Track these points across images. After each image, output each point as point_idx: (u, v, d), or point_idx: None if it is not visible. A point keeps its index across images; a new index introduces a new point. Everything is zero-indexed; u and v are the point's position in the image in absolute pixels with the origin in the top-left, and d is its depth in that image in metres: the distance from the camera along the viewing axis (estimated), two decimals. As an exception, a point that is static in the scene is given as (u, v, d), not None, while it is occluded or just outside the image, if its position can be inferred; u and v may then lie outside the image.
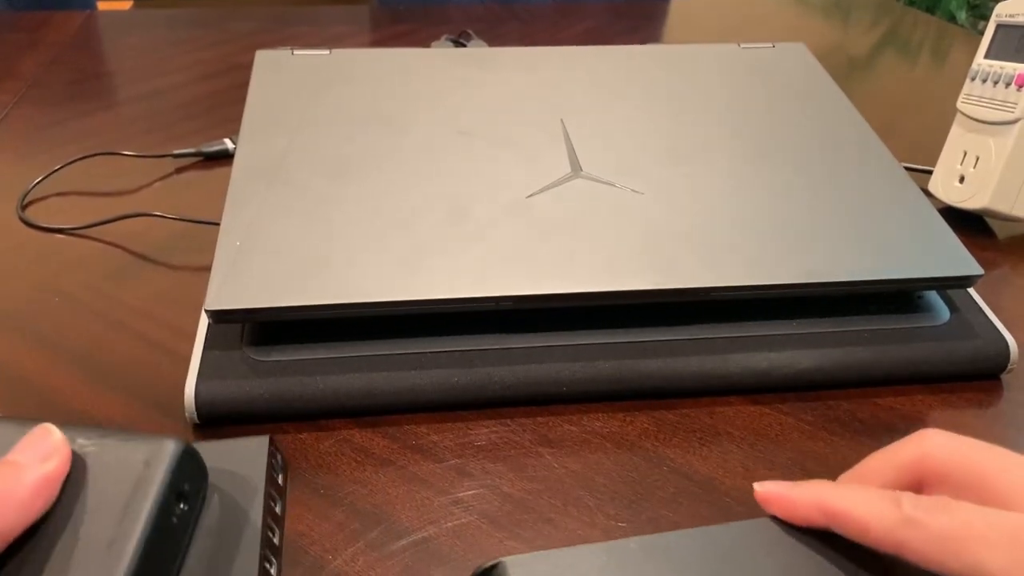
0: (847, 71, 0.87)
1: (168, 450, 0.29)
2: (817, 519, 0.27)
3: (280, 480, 0.35)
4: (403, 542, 0.35)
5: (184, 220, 0.54)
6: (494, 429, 0.40)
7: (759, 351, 0.42)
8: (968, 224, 0.58)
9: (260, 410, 0.39)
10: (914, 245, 0.44)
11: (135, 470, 0.28)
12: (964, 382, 0.44)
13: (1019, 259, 0.55)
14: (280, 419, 0.40)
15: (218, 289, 0.39)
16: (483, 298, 0.40)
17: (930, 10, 2.19)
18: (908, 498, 0.26)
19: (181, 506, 0.29)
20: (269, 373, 0.40)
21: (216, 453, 0.32)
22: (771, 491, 0.29)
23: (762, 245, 0.43)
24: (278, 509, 0.34)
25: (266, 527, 0.32)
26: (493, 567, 0.28)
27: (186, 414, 0.39)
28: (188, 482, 0.30)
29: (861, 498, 0.27)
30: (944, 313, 0.45)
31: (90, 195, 0.58)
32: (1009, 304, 0.50)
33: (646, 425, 0.41)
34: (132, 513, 0.27)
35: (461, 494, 0.37)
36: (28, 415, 0.40)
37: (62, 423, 0.29)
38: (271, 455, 0.34)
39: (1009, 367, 0.43)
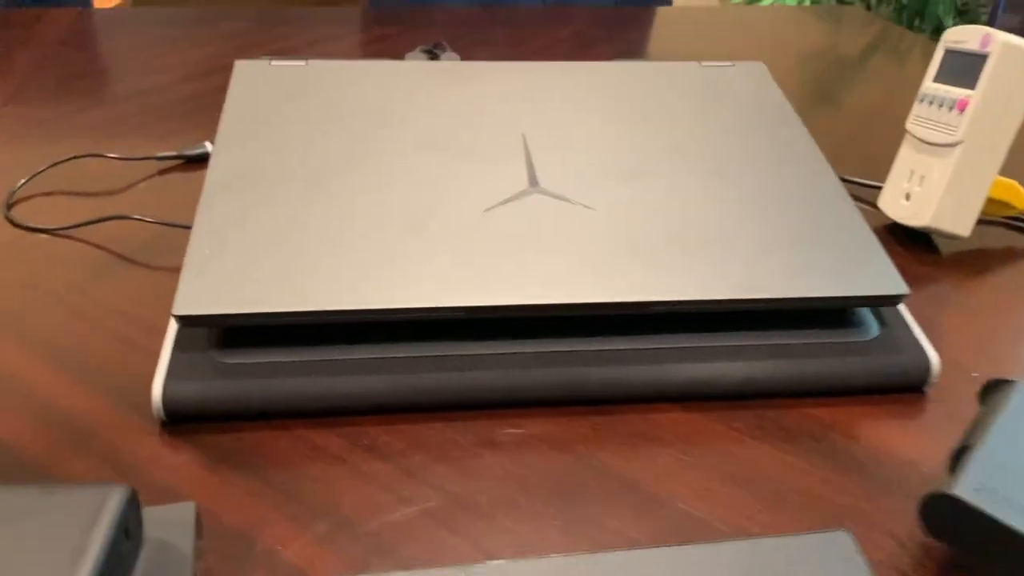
0: (823, 84, 0.89)
1: (117, 492, 0.32)
2: None
3: (201, 545, 0.37)
4: (349, 534, 0.37)
5: (161, 223, 0.56)
6: (440, 431, 0.43)
7: (694, 362, 0.45)
8: (915, 240, 0.61)
9: (223, 410, 0.42)
10: (847, 264, 0.46)
11: (89, 508, 0.31)
12: (889, 394, 0.47)
13: (958, 276, 0.57)
14: (241, 418, 0.43)
15: (185, 295, 0.42)
16: (437, 308, 0.43)
17: (919, 14, 2.21)
18: None
19: (127, 542, 0.32)
20: (233, 375, 0.42)
21: (148, 516, 0.34)
22: None
23: (701, 261, 0.46)
24: (200, 547, 0.36)
25: (196, 551, 0.34)
26: None
27: (153, 412, 0.42)
28: (131, 522, 0.32)
29: None
30: (873, 329, 0.47)
31: (74, 195, 0.61)
32: (942, 320, 0.53)
33: (584, 430, 0.43)
34: (90, 540, 0.30)
35: (406, 492, 0.40)
36: (5, 408, 0.43)
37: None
38: (197, 520, 0.36)
39: (931, 381, 0.46)
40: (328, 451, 0.41)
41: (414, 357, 0.44)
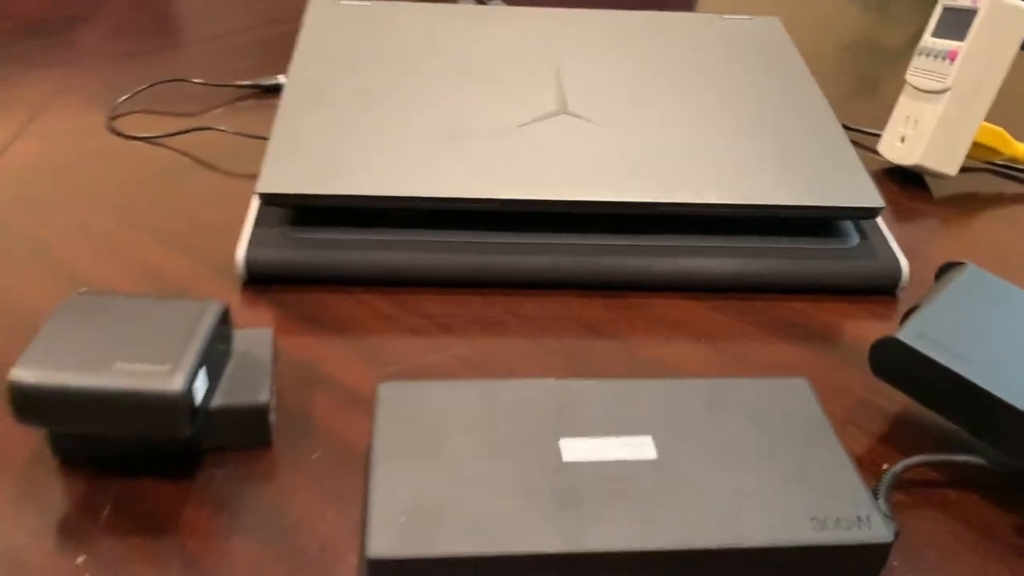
0: (844, 39, 0.96)
1: (216, 304, 0.40)
2: None
3: (276, 367, 0.44)
4: (393, 368, 0.45)
5: (241, 135, 0.65)
6: (477, 303, 0.51)
7: (693, 257, 0.52)
8: (910, 182, 0.67)
9: (294, 274, 0.50)
10: (831, 180, 0.53)
11: (194, 313, 0.39)
12: (865, 295, 0.53)
13: (944, 211, 0.64)
14: (309, 282, 0.51)
15: (267, 177, 0.50)
16: (475, 199, 0.51)
17: None
18: None
19: (222, 344, 0.40)
20: (304, 247, 0.51)
21: (236, 334, 0.43)
22: None
23: (701, 172, 0.53)
24: (275, 367, 0.44)
25: (273, 363, 0.42)
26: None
27: (237, 273, 0.50)
28: (224, 331, 0.41)
29: None
30: (854, 239, 0.54)
31: (164, 114, 0.70)
32: (923, 242, 0.59)
33: (598, 308, 0.51)
34: (197, 330, 0.38)
35: (442, 342, 0.48)
36: (117, 267, 0.51)
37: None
38: (274, 340, 0.44)
39: (901, 285, 0.53)
40: (381, 311, 0.49)
41: (457, 242, 0.52)
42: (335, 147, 0.53)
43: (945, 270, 0.45)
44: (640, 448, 0.37)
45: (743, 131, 0.57)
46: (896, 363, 0.41)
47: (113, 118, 0.69)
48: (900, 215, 0.63)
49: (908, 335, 0.40)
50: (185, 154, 0.64)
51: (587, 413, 0.39)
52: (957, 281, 0.44)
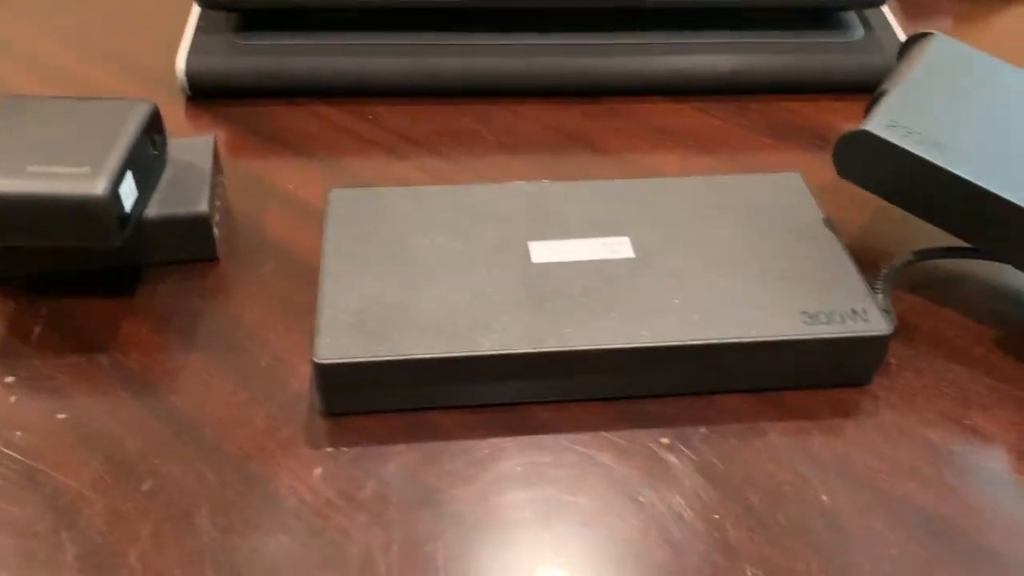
0: None
1: (144, 103, 0.36)
2: None
3: (220, 179, 0.41)
4: (351, 180, 0.42)
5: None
6: (441, 112, 0.46)
7: (683, 55, 0.47)
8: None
9: (241, 84, 0.46)
10: (834, -35, 0.48)
11: (123, 109, 0.36)
12: (869, 93, 0.49)
13: (955, 3, 0.58)
14: (257, 94, 0.46)
15: (203, -25, 0.45)
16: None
17: None
18: None
19: (153, 150, 0.36)
20: (250, 53, 0.46)
21: (172, 143, 0.39)
22: None
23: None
24: (220, 178, 0.40)
25: (214, 173, 0.38)
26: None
27: (178, 85, 0.46)
28: (156, 134, 0.37)
29: None
30: (858, 32, 0.49)
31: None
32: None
33: (575, 116, 0.47)
34: (122, 132, 0.34)
35: (405, 153, 0.44)
36: (51, 87, 0.47)
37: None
38: (215, 149, 0.40)
39: (910, 80, 0.48)
40: (337, 123, 0.45)
41: (419, 44, 0.47)
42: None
43: (910, 44, 0.40)
44: (616, 248, 0.34)
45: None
46: (866, 161, 0.35)
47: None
48: (908, 5, 0.57)
49: (877, 125, 0.34)
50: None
51: (561, 215, 0.36)
52: (926, 56, 0.38)
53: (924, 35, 0.39)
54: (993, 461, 0.31)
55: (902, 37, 0.49)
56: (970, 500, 0.29)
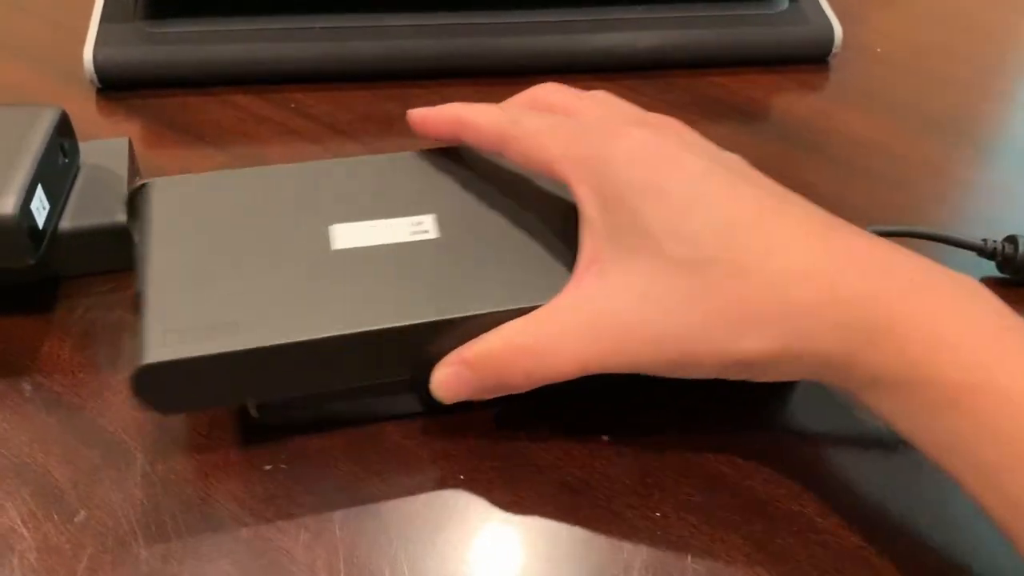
0: None
1: (50, 109, 0.34)
2: (451, 129, 0.33)
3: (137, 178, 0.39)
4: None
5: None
6: (365, 98, 0.45)
7: (606, 32, 0.47)
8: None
9: (153, 75, 0.44)
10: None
11: (27, 117, 0.34)
12: (795, 64, 0.49)
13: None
14: (171, 85, 0.45)
15: (105, -40, 0.43)
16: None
17: None
18: (517, 109, 0.32)
19: (63, 158, 0.35)
20: (161, 42, 0.44)
21: (85, 147, 0.37)
22: (418, 112, 0.34)
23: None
24: (137, 181, 0.38)
25: (131, 177, 0.37)
26: (141, 187, 0.32)
27: (86, 78, 0.44)
28: (66, 141, 0.35)
29: (483, 110, 0.32)
30: (783, 2, 0.49)
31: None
32: (853, 4, 0.54)
33: (501, 97, 0.46)
34: (28, 143, 0.33)
35: (331, 143, 0.42)
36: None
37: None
38: (131, 151, 0.38)
39: (834, 51, 0.49)
40: (256, 113, 0.44)
41: (339, 27, 0.45)
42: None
43: (134, 202, 0.32)
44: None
45: None
46: (181, 387, 0.28)
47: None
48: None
49: (155, 350, 0.27)
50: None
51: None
52: (155, 219, 0.31)
53: (140, 188, 0.32)
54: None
55: (827, 7, 0.49)
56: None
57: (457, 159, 0.34)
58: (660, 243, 0.27)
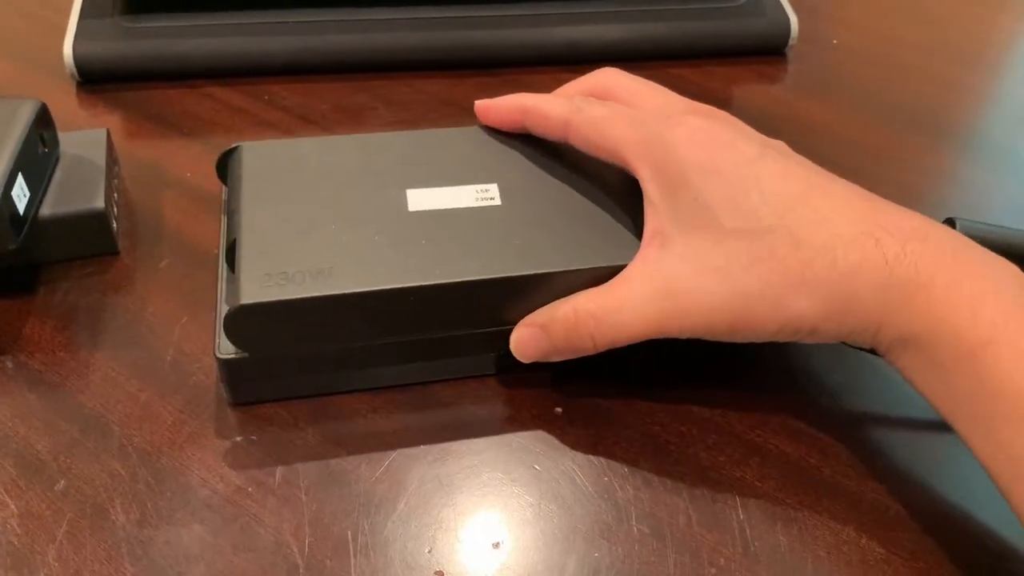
0: None
1: (30, 102, 0.36)
2: (517, 118, 0.35)
3: (117, 170, 0.40)
4: (252, 167, 0.42)
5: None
6: (338, 90, 0.47)
7: (571, 25, 0.48)
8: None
9: (131, 68, 0.45)
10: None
11: (8, 109, 0.35)
12: (753, 56, 0.51)
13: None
14: (149, 78, 0.46)
15: (84, -43, 0.44)
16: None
17: None
18: (579, 98, 0.34)
19: (43, 148, 0.36)
20: (139, 36, 0.45)
21: (65, 137, 0.38)
22: (485, 102, 0.36)
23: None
24: (116, 170, 0.40)
25: (109, 166, 0.38)
26: (233, 149, 0.35)
27: (67, 72, 0.45)
28: (45, 132, 0.36)
29: (547, 99, 0.35)
30: (741, -3, 0.51)
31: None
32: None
33: (471, 89, 0.48)
34: (9, 133, 0.34)
35: (303, 134, 0.44)
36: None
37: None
38: (109, 141, 0.40)
39: (790, 43, 0.50)
40: (231, 104, 0.45)
41: (313, 21, 0.47)
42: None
43: (225, 163, 0.36)
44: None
45: None
46: (270, 327, 0.30)
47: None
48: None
49: (251, 290, 0.29)
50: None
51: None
52: (247, 176, 0.34)
53: (233, 150, 0.35)
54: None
55: (784, 1, 0.51)
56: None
57: (514, 134, 0.36)
58: (719, 217, 0.30)
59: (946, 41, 0.55)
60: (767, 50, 0.51)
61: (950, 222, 0.39)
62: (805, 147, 0.33)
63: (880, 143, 0.46)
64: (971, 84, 0.52)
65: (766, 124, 0.36)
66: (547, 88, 0.48)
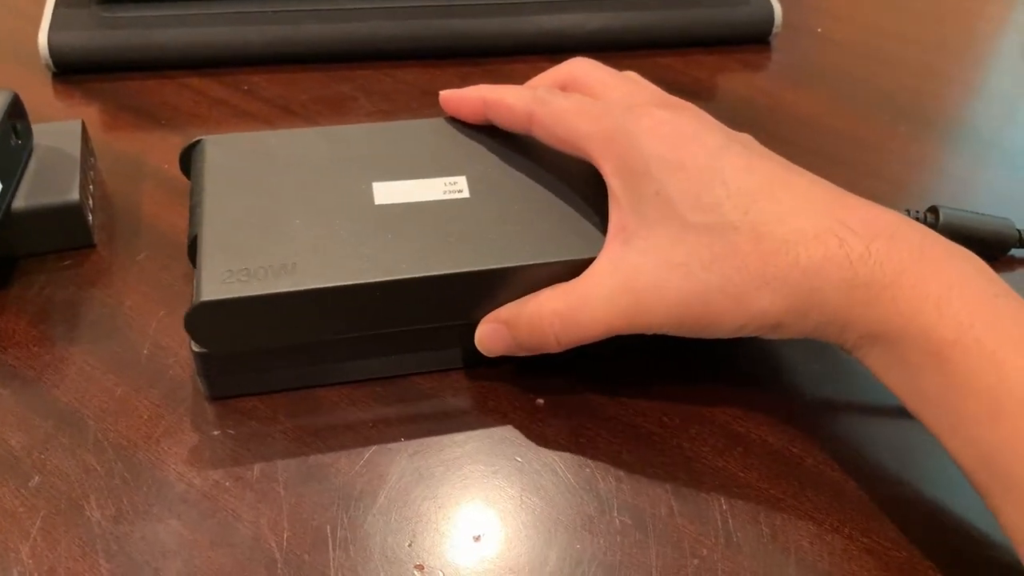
0: None
1: (1, 94, 0.35)
2: (480, 110, 0.35)
3: (93, 161, 0.40)
4: (231, 158, 0.42)
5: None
6: (319, 80, 0.46)
7: (554, 13, 0.48)
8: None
9: (108, 59, 0.45)
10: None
11: None
12: (738, 45, 0.51)
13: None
14: (127, 68, 0.45)
15: (58, -54, 0.43)
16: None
17: None
18: (543, 89, 0.33)
19: (16, 140, 0.36)
20: (117, 26, 0.45)
21: (39, 129, 0.38)
22: (449, 92, 0.36)
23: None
24: (92, 162, 0.40)
25: (85, 158, 0.38)
26: (196, 143, 0.34)
27: (42, 63, 0.44)
28: (18, 123, 0.36)
29: (511, 91, 0.34)
30: (725, -15, 0.51)
31: None
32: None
33: (452, 78, 0.47)
34: None
35: (284, 125, 0.44)
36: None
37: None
38: (84, 133, 0.39)
39: (774, 31, 0.50)
40: (210, 95, 0.45)
41: (292, 11, 0.46)
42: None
43: (186, 156, 0.35)
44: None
45: None
46: (233, 324, 0.30)
47: None
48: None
49: (212, 288, 0.29)
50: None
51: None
52: (209, 171, 0.33)
53: (195, 144, 0.34)
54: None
55: (767, -12, 0.51)
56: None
57: (484, 126, 0.36)
58: (682, 212, 0.29)
59: (931, 30, 0.55)
60: (751, 39, 0.51)
61: (933, 210, 0.39)
62: (789, 136, 0.32)
63: (864, 132, 0.46)
64: (956, 74, 0.52)
65: (750, 113, 0.36)
66: (526, 74, 0.47)
